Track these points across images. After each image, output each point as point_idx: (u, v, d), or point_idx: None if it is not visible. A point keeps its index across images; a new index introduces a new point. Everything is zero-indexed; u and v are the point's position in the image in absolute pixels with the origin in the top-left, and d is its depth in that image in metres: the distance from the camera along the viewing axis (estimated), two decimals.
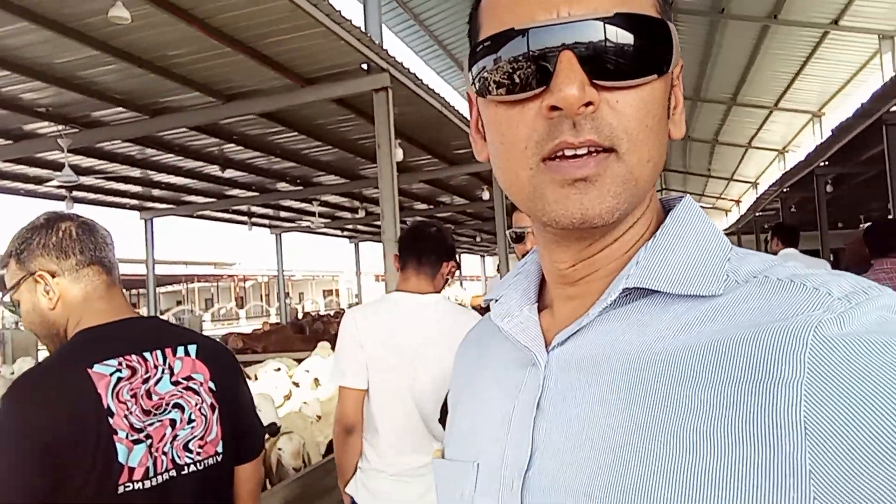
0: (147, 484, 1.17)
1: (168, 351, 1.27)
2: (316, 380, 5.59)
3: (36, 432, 1.08)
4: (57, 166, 8.47)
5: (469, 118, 0.58)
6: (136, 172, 10.20)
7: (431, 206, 14.76)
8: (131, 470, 1.15)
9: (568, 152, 0.46)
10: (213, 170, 10.09)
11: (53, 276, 1.25)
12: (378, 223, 7.74)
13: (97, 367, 1.16)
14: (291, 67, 6.04)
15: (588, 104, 0.45)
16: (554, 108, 0.45)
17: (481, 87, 0.50)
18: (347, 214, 15.43)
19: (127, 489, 1.14)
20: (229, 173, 10.20)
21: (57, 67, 5.89)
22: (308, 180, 11.28)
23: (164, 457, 1.20)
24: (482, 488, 0.54)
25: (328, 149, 9.07)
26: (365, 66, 5.89)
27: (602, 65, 0.45)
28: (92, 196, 11.23)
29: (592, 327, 0.50)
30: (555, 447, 0.49)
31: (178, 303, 33.02)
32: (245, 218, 15.06)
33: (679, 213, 0.53)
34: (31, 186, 10.42)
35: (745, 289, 0.47)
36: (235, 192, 12.06)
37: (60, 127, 7.50)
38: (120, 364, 1.19)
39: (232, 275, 34.51)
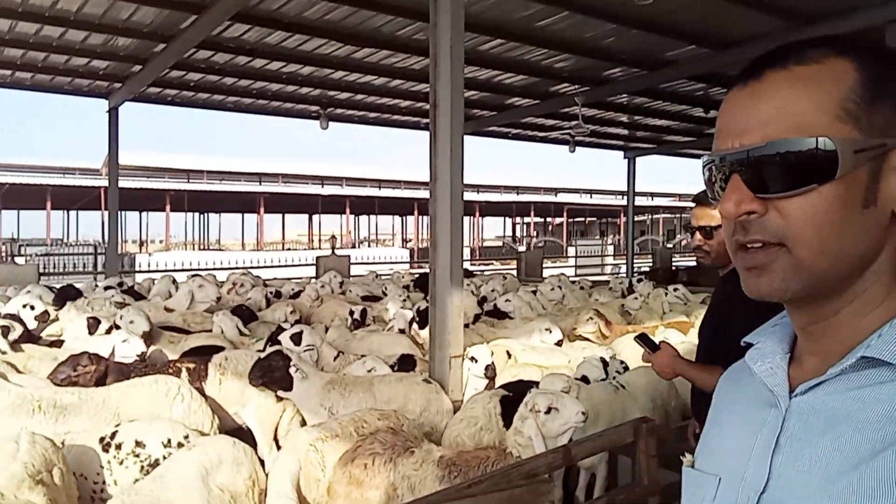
0: None
1: None
2: None
3: None
4: (570, 117, 10.42)
5: None
6: (624, 118, 11.65)
7: None
8: None
9: (746, 245, 0.59)
10: (698, 111, 10.81)
11: None
12: None
13: None
14: (788, 8, 6.16)
15: (750, 213, 0.57)
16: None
17: (704, 191, 0.66)
18: None
19: None
20: (713, 114, 10.71)
21: (584, 40, 7.32)
22: None
23: None
24: (720, 499, 0.64)
25: None
26: None
27: (763, 181, 0.56)
28: (588, 140, 13.21)
29: (832, 384, 0.58)
30: (787, 478, 0.57)
31: (642, 232, 34.80)
32: None
33: None
34: (545, 134, 12.90)
35: None
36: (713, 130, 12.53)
37: (576, 86, 9.24)
38: None
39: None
